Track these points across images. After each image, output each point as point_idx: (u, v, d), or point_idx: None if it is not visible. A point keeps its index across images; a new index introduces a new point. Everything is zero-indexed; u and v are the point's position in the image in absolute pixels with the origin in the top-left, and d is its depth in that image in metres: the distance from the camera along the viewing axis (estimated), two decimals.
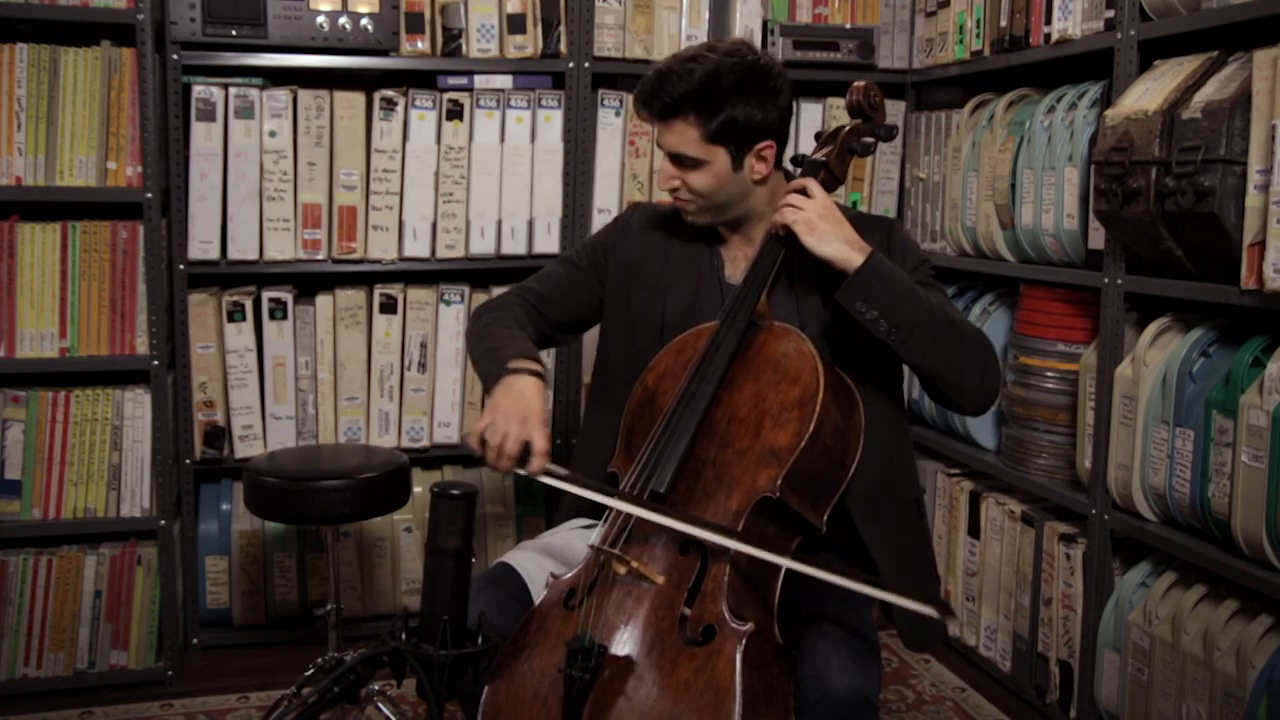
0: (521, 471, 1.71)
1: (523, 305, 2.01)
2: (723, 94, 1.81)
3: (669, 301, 1.97)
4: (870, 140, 2.03)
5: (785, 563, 1.63)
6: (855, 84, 2.01)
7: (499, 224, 3.12)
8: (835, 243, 1.79)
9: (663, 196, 3.20)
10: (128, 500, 2.85)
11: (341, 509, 2.39)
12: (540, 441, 1.69)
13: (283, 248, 3.00)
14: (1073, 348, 2.71)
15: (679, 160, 1.87)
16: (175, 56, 2.88)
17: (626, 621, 1.60)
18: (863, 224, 1.99)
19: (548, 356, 3.21)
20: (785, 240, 1.85)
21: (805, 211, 1.81)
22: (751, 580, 1.65)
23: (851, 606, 1.75)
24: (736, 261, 1.98)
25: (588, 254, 2.08)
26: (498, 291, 3.13)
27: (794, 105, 2.00)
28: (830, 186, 1.97)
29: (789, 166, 2.03)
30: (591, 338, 2.22)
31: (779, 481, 1.65)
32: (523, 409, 1.71)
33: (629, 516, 1.68)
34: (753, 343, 1.80)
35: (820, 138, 2.02)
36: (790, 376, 1.73)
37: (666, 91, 1.82)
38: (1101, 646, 2.54)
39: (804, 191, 1.84)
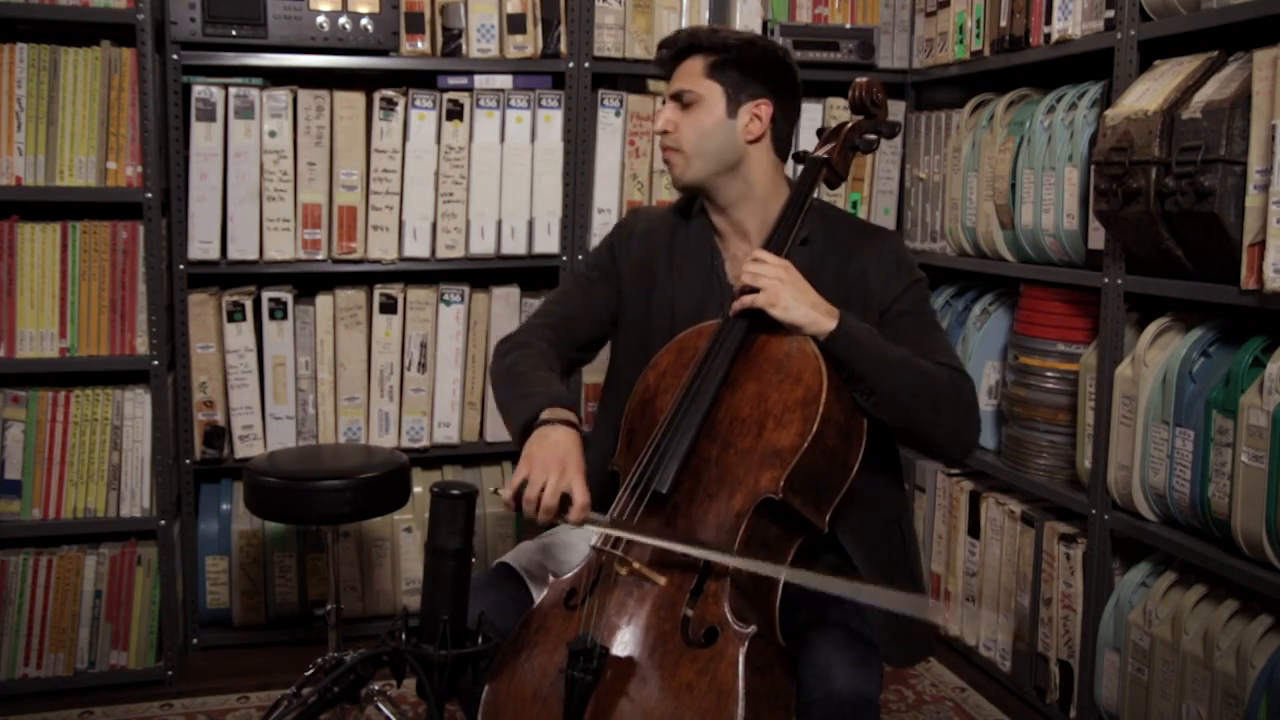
0: (560, 523, 1.68)
1: (545, 336, 1.97)
2: (732, 43, 1.95)
3: (677, 304, 1.97)
4: (873, 137, 2.03)
5: (785, 574, 1.62)
6: (857, 80, 2.01)
7: (499, 224, 3.12)
8: (803, 309, 1.75)
9: (662, 194, 3.21)
10: (128, 500, 2.85)
11: (341, 509, 2.38)
12: (580, 494, 1.64)
13: (283, 248, 3.00)
14: (1073, 348, 2.71)
15: (678, 99, 1.95)
16: (175, 56, 2.88)
17: (628, 622, 1.60)
18: (861, 232, 1.99)
19: None
20: (750, 315, 1.80)
21: (766, 285, 1.75)
22: (754, 582, 1.65)
23: (853, 607, 1.75)
24: (736, 260, 1.97)
25: (598, 266, 2.07)
26: (498, 292, 3.16)
27: (800, 102, 2.03)
28: (832, 183, 1.97)
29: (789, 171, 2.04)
30: None
31: (781, 482, 1.65)
32: (560, 459, 1.66)
33: (632, 518, 1.68)
34: (755, 342, 1.79)
35: (822, 134, 2.02)
36: (793, 376, 1.73)
37: (684, 37, 1.99)
38: (1101, 646, 2.55)
39: (758, 261, 1.79)
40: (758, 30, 3.23)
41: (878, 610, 1.78)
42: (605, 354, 2.13)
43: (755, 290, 1.77)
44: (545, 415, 1.74)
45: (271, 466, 2.47)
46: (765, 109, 1.93)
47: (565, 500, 1.65)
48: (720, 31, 1.98)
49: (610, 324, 2.06)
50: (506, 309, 3.17)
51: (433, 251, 3.09)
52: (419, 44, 3.02)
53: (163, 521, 2.85)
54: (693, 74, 1.94)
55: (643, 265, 2.02)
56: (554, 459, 1.67)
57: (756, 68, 1.94)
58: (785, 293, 1.75)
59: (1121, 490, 2.48)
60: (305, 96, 2.97)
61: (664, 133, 1.95)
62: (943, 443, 1.83)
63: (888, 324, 1.88)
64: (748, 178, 1.95)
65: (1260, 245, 2.06)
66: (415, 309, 3.09)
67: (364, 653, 1.58)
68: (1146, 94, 2.34)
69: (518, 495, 1.66)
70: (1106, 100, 2.55)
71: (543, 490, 1.64)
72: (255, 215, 2.97)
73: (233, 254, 2.97)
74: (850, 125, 2.00)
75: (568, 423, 1.74)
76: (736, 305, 1.79)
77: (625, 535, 1.65)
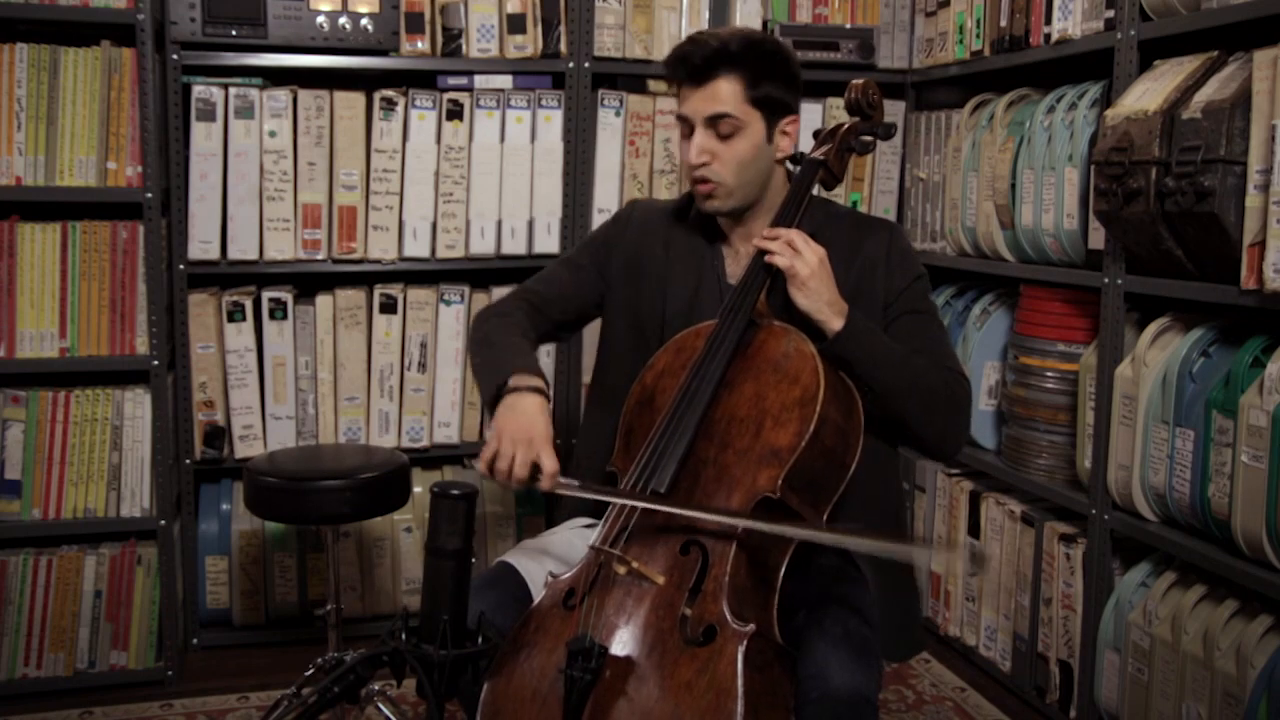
0: (534, 488, 1.73)
1: (525, 308, 2.00)
2: (765, 58, 1.86)
3: (670, 299, 1.97)
4: (869, 139, 2.03)
5: (806, 534, 1.65)
6: (854, 82, 2.01)
7: (499, 224, 3.12)
8: (819, 303, 1.80)
9: (662, 194, 3.21)
10: (128, 500, 2.85)
11: (341, 509, 2.38)
12: (549, 463, 1.70)
13: (283, 248, 3.00)
14: (1073, 348, 2.71)
15: (714, 123, 1.84)
16: (175, 56, 2.88)
17: (627, 622, 1.60)
18: (863, 226, 1.99)
19: (546, 356, 3.21)
20: (771, 271, 1.84)
21: (799, 266, 1.80)
22: (752, 580, 1.65)
23: (852, 605, 1.75)
24: (737, 258, 1.98)
25: (589, 252, 2.08)
26: (498, 292, 3.16)
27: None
28: (829, 185, 1.97)
29: (788, 165, 2.03)
30: (592, 337, 2.22)
31: (779, 481, 1.65)
32: (527, 430, 1.71)
33: (630, 516, 1.68)
34: (752, 342, 1.80)
35: (819, 136, 2.02)
36: (790, 376, 1.73)
37: (707, 49, 1.82)
38: (1101, 646, 2.54)
39: (789, 244, 1.82)
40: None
41: (875, 606, 1.79)
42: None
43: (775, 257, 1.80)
44: (513, 383, 1.78)
45: (271, 466, 2.47)
46: (794, 126, 1.93)
47: (536, 469, 1.70)
48: (753, 42, 1.86)
49: (592, 309, 2.07)
50: None
51: (433, 251, 3.10)
52: (419, 44, 3.03)
53: (163, 521, 2.85)
54: (733, 98, 1.83)
55: (636, 258, 2.02)
56: (521, 431, 1.71)
57: (790, 83, 1.90)
58: (814, 280, 1.80)
59: (1121, 490, 2.48)
60: (305, 96, 2.97)
61: (699, 165, 1.86)
62: (930, 440, 1.90)
63: (890, 320, 1.91)
64: (768, 188, 1.95)
65: (1260, 245, 2.06)
66: (415, 309, 3.09)
67: (364, 653, 1.58)
68: (1146, 94, 2.34)
69: (490, 467, 1.71)
70: (1106, 100, 2.55)
71: (513, 462, 1.69)
72: (255, 215, 2.97)
73: (233, 254, 2.97)
74: (846, 127, 2.00)
75: (534, 389, 1.77)
76: (770, 257, 1.81)
77: (601, 498, 1.69)
